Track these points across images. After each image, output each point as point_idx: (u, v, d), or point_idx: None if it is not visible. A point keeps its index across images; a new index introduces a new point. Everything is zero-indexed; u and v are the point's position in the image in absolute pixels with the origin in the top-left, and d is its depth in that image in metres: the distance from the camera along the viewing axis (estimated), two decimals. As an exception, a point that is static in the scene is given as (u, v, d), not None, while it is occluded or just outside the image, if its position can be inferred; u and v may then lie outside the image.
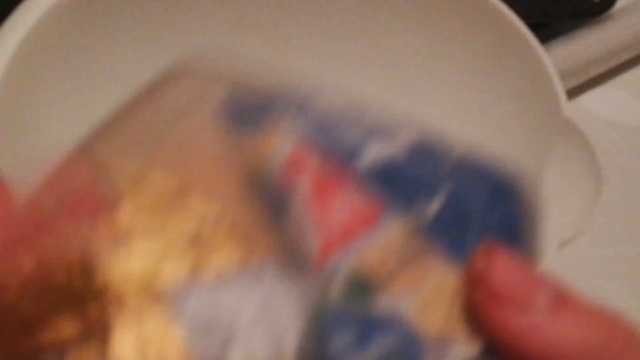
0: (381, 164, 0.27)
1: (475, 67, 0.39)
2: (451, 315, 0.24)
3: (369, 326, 0.24)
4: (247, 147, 0.26)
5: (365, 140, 0.27)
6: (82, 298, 0.23)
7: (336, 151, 0.26)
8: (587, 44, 0.50)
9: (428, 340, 0.24)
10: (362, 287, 0.24)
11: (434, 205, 0.26)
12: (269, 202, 0.25)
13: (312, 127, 0.27)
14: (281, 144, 0.26)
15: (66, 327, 0.22)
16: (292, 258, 0.24)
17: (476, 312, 0.24)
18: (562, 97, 0.35)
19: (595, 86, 0.52)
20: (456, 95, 0.40)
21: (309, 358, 0.23)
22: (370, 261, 0.25)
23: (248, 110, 0.27)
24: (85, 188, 0.25)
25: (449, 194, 0.26)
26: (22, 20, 0.34)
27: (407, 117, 0.28)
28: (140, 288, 0.23)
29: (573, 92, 0.51)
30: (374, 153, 0.27)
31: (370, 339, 0.23)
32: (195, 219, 0.24)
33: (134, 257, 0.23)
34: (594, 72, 0.51)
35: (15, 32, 0.34)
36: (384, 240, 0.25)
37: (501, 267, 0.24)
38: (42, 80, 0.35)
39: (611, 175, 0.47)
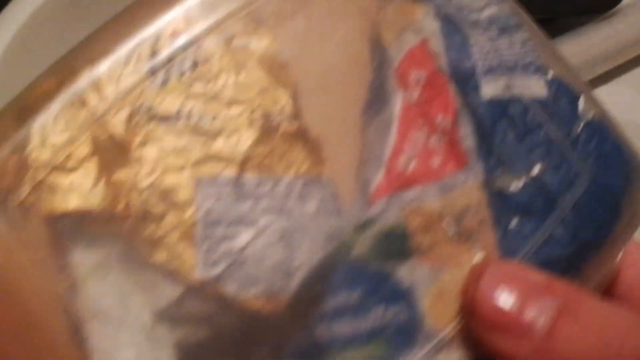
0: (504, 99, 0.23)
1: None
2: (459, 319, 0.23)
3: (379, 290, 0.22)
4: (384, 10, 0.23)
5: (500, 66, 0.24)
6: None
7: (463, 68, 0.23)
8: (594, 41, 0.50)
9: (426, 331, 0.22)
10: (394, 246, 0.22)
11: (525, 178, 0.23)
12: (373, 87, 0.23)
13: (453, 25, 0.24)
14: (418, 27, 0.23)
15: None
16: (351, 185, 0.22)
17: (474, 336, 0.22)
18: None
19: (603, 83, 0.51)
20: None
21: (308, 297, 0.21)
22: (417, 221, 0.22)
23: None
24: None
25: (549, 167, 0.23)
26: (14, 16, 0.34)
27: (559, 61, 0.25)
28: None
29: None
30: (501, 85, 0.23)
31: (375, 304, 0.22)
32: (271, 109, 0.22)
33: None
34: (601, 69, 0.51)
35: (6, 27, 0.34)
36: (444, 203, 0.23)
37: (493, 293, 0.22)
38: (34, 75, 0.35)
39: None
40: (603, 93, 0.51)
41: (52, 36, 0.35)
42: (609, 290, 0.26)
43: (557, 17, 0.50)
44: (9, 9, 0.34)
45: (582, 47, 0.50)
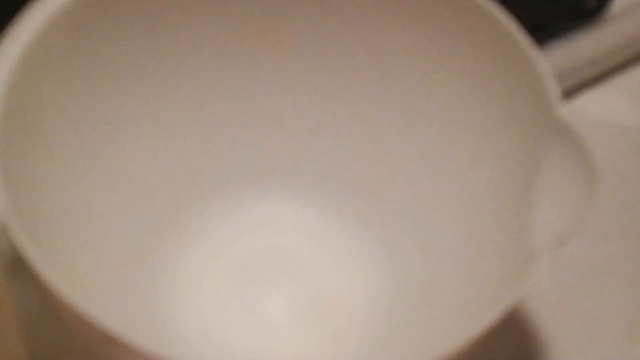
0: None
1: (466, 69, 0.39)
2: None
3: None
4: None
5: None
6: None
7: None
8: (582, 45, 0.50)
9: None
10: None
11: None
12: None
13: None
14: None
15: None
16: None
17: None
18: (557, 98, 0.35)
19: (591, 87, 0.52)
20: (448, 98, 0.40)
21: None
22: None
23: None
24: None
25: None
26: (27, 26, 0.35)
27: None
28: None
29: (568, 93, 0.51)
30: None
31: None
32: None
33: None
34: (589, 73, 0.51)
35: (20, 38, 0.34)
36: None
37: None
38: (47, 85, 0.35)
39: (607, 176, 0.47)
40: (592, 96, 0.51)
41: (62, 47, 0.36)
42: None
43: (546, 23, 0.50)
44: (19, 23, 0.35)
45: (571, 51, 0.50)
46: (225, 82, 0.42)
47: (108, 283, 0.37)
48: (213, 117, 0.42)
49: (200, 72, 0.41)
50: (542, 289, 0.43)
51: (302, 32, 0.41)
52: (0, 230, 0.36)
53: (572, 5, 0.50)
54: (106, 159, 0.39)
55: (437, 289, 0.39)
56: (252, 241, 0.42)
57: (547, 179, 0.34)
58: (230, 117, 0.43)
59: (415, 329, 0.38)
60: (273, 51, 0.41)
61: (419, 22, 0.39)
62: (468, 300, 0.36)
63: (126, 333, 0.28)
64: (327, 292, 0.41)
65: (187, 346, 0.38)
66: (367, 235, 0.42)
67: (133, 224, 0.40)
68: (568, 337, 0.41)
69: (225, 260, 0.42)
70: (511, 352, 0.41)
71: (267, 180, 0.44)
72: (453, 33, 0.39)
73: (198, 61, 0.41)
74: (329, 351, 0.39)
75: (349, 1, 0.40)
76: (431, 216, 0.41)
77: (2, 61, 0.34)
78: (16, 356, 0.32)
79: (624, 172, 0.48)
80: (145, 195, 0.41)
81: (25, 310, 0.39)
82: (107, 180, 0.39)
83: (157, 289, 0.40)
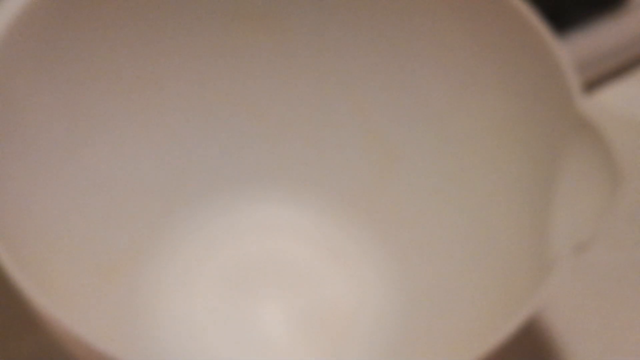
0: None
1: (480, 60, 0.38)
2: None
3: None
4: None
5: None
6: None
7: None
8: (605, 35, 0.50)
9: None
10: None
11: None
12: None
13: None
14: None
15: None
16: None
17: None
18: (578, 91, 0.34)
19: (614, 79, 0.51)
20: (457, 93, 0.39)
21: None
22: None
23: None
24: None
25: None
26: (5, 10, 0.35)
27: None
28: None
29: (590, 86, 0.50)
30: None
31: None
32: None
33: None
34: (612, 65, 0.51)
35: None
36: None
37: None
38: (21, 79, 0.35)
39: (632, 176, 0.47)
40: (616, 89, 0.51)
41: (38, 37, 0.35)
42: None
43: (566, 12, 0.49)
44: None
45: (594, 41, 0.49)
46: (218, 77, 0.41)
47: (88, 292, 0.36)
48: (203, 114, 0.42)
49: (190, 68, 0.40)
50: (561, 297, 0.43)
51: (301, 29, 0.40)
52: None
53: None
54: (87, 161, 0.38)
55: (449, 298, 0.38)
56: (245, 247, 0.41)
57: (567, 179, 0.34)
58: (222, 114, 0.42)
59: (424, 343, 0.37)
60: (269, 48, 0.41)
61: (430, 14, 0.39)
62: (483, 311, 0.36)
63: (107, 345, 0.28)
64: (327, 302, 0.40)
65: (172, 359, 0.38)
66: (371, 241, 0.41)
67: (116, 229, 0.39)
68: (588, 347, 0.41)
69: (216, 267, 0.41)
70: (528, 362, 0.40)
71: (262, 181, 0.43)
72: (467, 22, 0.38)
73: (189, 57, 0.40)
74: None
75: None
76: (442, 221, 0.40)
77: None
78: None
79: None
80: (130, 198, 0.40)
81: (0, 319, 0.39)
82: (88, 183, 0.38)
83: (141, 298, 0.39)
